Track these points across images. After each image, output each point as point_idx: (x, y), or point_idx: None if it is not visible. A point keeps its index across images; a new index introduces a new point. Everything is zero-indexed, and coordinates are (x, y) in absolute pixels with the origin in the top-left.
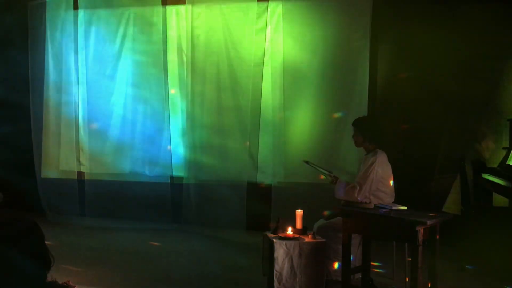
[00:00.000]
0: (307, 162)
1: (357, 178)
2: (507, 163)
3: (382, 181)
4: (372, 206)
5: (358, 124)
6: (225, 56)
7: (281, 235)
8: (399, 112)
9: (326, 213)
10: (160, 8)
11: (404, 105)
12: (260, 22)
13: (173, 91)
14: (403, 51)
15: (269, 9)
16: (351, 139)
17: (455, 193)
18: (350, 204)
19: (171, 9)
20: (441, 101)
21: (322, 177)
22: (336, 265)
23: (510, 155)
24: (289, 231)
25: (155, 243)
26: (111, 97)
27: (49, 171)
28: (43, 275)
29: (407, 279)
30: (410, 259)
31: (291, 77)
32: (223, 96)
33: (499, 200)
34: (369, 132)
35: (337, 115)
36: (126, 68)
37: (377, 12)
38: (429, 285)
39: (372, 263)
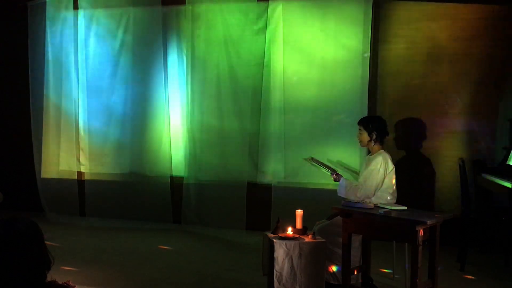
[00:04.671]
0: (312, 158)
1: (360, 179)
2: (507, 163)
3: (385, 181)
4: (372, 206)
5: (365, 123)
6: (225, 56)
7: (281, 235)
8: (399, 112)
9: (319, 222)
10: (160, 8)
11: (405, 105)
12: (260, 22)
13: (173, 91)
14: (404, 51)
15: (269, 9)
16: (356, 138)
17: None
18: (350, 204)
19: (171, 9)
20: (441, 101)
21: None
22: (334, 268)
23: (510, 155)
24: (289, 231)
25: (155, 243)
26: (111, 97)
27: (49, 171)
28: (43, 275)
29: (407, 279)
30: (410, 259)
31: (291, 77)
32: (223, 96)
33: (499, 200)
34: (375, 132)
35: (337, 115)
36: (126, 68)
37: (378, 11)
38: (429, 285)
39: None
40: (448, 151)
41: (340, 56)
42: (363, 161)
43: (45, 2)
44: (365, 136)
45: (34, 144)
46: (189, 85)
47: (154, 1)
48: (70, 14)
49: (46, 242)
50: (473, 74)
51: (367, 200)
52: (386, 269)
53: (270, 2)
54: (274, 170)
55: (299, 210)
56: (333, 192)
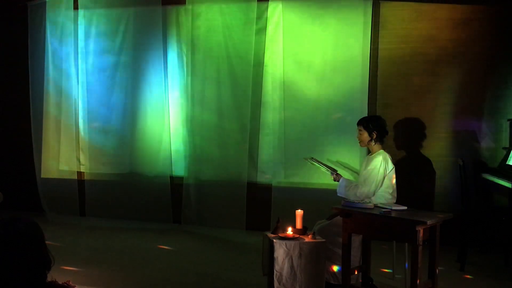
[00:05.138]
0: (312, 158)
1: (360, 178)
2: (507, 163)
3: (385, 181)
4: (372, 206)
5: (365, 123)
6: (225, 56)
7: (281, 235)
8: (399, 112)
9: (319, 222)
10: (160, 8)
11: (405, 105)
12: (260, 22)
13: (173, 91)
14: (403, 51)
15: (269, 9)
16: (355, 138)
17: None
18: (350, 204)
19: (171, 9)
20: (441, 101)
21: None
22: (335, 268)
23: (510, 155)
24: (289, 231)
25: (155, 243)
26: (111, 97)
27: (49, 171)
28: (43, 275)
29: (407, 279)
30: (410, 259)
31: (291, 77)
32: (223, 96)
33: (499, 200)
34: (375, 131)
35: (337, 115)
36: (126, 68)
37: (377, 11)
38: (429, 285)
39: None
40: (448, 151)
41: (340, 56)
42: (363, 160)
43: (45, 2)
44: (366, 136)
45: (34, 144)
46: (189, 85)
47: (154, 1)
48: (70, 14)
49: (47, 242)
50: (473, 73)
51: (367, 200)
52: (386, 269)
53: (270, 2)
54: (274, 170)
55: (299, 210)
56: (333, 192)
